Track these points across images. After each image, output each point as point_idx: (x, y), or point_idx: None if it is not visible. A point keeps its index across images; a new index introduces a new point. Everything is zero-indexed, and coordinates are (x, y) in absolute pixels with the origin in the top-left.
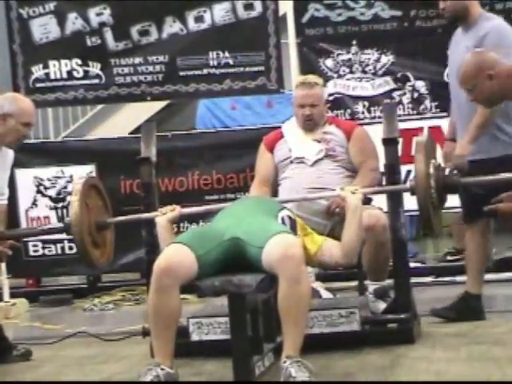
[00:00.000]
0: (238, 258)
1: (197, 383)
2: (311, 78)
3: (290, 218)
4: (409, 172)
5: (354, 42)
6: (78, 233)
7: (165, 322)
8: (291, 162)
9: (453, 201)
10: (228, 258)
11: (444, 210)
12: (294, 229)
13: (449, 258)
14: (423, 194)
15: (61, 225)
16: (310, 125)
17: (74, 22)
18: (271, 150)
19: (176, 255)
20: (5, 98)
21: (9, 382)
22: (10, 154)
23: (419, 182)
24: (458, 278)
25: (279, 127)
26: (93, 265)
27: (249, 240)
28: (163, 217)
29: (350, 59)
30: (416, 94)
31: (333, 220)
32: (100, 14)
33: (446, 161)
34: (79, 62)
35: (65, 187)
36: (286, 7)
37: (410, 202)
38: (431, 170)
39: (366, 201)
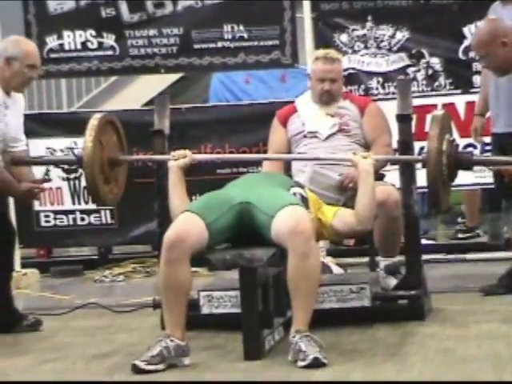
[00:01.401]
0: (248, 223)
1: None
2: (333, 53)
3: (301, 195)
4: (422, 149)
5: (369, 18)
6: (89, 169)
7: (176, 294)
8: (304, 137)
9: (464, 179)
10: (238, 224)
11: (455, 188)
12: (305, 207)
13: (460, 235)
14: (434, 168)
15: (73, 158)
16: (327, 99)
17: None
18: (284, 124)
19: (186, 225)
20: (8, 42)
21: (9, 382)
22: (21, 100)
23: (431, 156)
24: (469, 256)
25: (293, 102)
26: (100, 201)
27: (260, 206)
28: (175, 163)
29: (364, 35)
30: (430, 71)
31: (346, 195)
32: None
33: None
34: (93, 33)
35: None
36: None
37: (423, 179)
38: (444, 146)
39: (379, 177)
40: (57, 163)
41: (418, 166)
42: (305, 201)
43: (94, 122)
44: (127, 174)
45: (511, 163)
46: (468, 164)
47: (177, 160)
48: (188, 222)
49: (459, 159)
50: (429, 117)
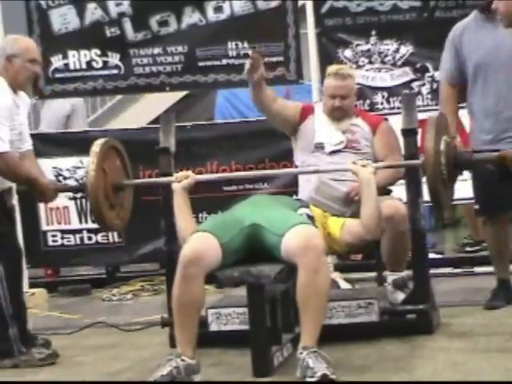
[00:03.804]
0: (258, 244)
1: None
2: (345, 69)
3: (308, 215)
4: None
5: (373, 33)
6: (94, 196)
7: (189, 311)
8: (313, 147)
9: (467, 192)
10: (249, 245)
11: (459, 202)
12: (314, 225)
13: (467, 248)
14: (432, 169)
15: (77, 185)
16: (337, 115)
17: (93, 12)
18: (303, 114)
19: (202, 244)
20: (5, 41)
21: (9, 382)
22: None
23: (428, 157)
24: (477, 269)
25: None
26: (107, 227)
27: (269, 227)
28: (178, 184)
29: (368, 50)
30: (435, 85)
31: (352, 207)
32: (119, 5)
33: None
34: (98, 52)
35: (84, 177)
36: None
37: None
38: (442, 147)
39: (386, 191)
40: (62, 191)
41: (424, 179)
42: (311, 219)
43: (95, 148)
44: (136, 194)
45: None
46: (468, 163)
47: (180, 182)
48: (204, 241)
49: (458, 159)
50: (428, 116)
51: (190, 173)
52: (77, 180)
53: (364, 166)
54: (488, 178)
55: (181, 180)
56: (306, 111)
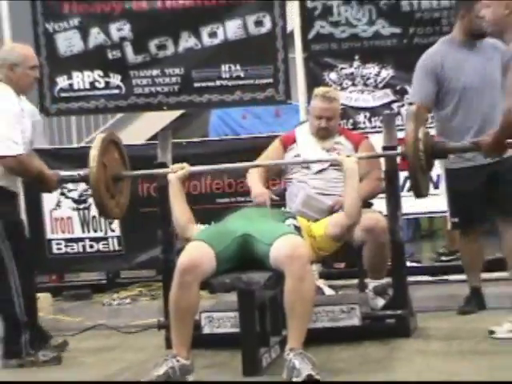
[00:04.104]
0: (249, 253)
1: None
2: (332, 92)
3: (295, 226)
4: (407, 178)
5: (357, 57)
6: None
7: (184, 315)
8: (298, 166)
9: (442, 206)
10: (240, 254)
11: (435, 214)
12: (300, 235)
13: (443, 258)
14: (412, 155)
15: (79, 176)
16: (322, 135)
17: (96, 36)
18: (285, 148)
19: (197, 253)
20: (5, 51)
21: (9, 382)
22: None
23: (409, 144)
24: (451, 277)
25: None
26: (107, 215)
27: (259, 237)
28: (174, 175)
29: (352, 73)
30: None
31: None
32: (120, 30)
33: None
34: (101, 73)
35: (86, 190)
36: (294, 24)
37: (407, 206)
38: (420, 135)
39: (367, 204)
40: (65, 181)
41: (403, 193)
42: (298, 229)
43: (96, 144)
44: (132, 205)
45: (482, 142)
46: (443, 151)
47: (175, 172)
48: (200, 250)
49: (435, 147)
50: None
51: (185, 164)
52: (79, 196)
53: (348, 156)
54: (462, 193)
55: (176, 171)
56: (287, 142)
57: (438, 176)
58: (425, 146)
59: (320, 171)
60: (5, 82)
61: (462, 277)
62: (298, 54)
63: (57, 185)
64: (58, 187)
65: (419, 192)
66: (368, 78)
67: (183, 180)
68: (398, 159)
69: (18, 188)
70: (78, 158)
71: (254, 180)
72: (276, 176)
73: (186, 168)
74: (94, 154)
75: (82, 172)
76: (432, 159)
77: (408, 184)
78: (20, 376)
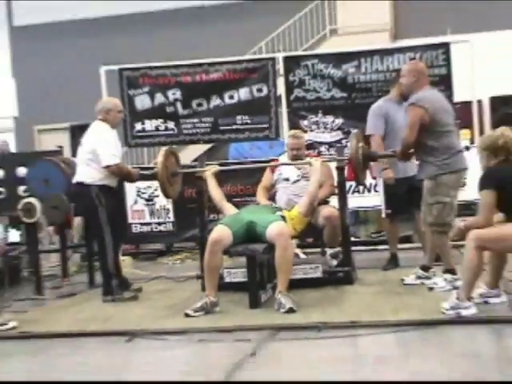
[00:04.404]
0: (252, 233)
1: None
2: (298, 132)
3: (282, 216)
4: (350, 186)
5: (320, 111)
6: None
7: (213, 271)
8: (281, 180)
9: (376, 202)
10: (247, 233)
11: (369, 208)
12: (285, 221)
13: (373, 235)
14: (355, 158)
15: (150, 174)
16: (295, 159)
17: (159, 98)
18: (272, 172)
19: (221, 232)
20: (103, 102)
21: (9, 382)
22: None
23: (353, 151)
24: (379, 247)
25: (277, 159)
26: (168, 196)
27: (259, 222)
28: (208, 172)
29: (317, 121)
30: None
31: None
32: (174, 94)
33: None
34: (162, 121)
35: (153, 193)
36: (281, 90)
37: (351, 203)
38: (359, 147)
39: (325, 202)
40: (142, 177)
41: (349, 195)
42: (283, 218)
43: (162, 153)
44: (181, 202)
45: (397, 152)
46: (373, 156)
47: (209, 170)
48: (223, 230)
49: (369, 154)
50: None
51: (215, 165)
52: (149, 196)
53: (316, 160)
54: (393, 194)
55: (210, 169)
56: (273, 168)
57: (371, 184)
58: (362, 153)
59: (295, 182)
60: (103, 121)
61: (385, 247)
62: (284, 109)
63: (138, 178)
64: (138, 180)
65: (360, 181)
66: (327, 124)
67: (215, 174)
68: (346, 173)
69: (115, 184)
70: (148, 174)
71: (260, 196)
72: (270, 188)
73: (216, 167)
74: (160, 160)
75: (152, 171)
76: (367, 161)
77: (352, 189)
78: (113, 308)
